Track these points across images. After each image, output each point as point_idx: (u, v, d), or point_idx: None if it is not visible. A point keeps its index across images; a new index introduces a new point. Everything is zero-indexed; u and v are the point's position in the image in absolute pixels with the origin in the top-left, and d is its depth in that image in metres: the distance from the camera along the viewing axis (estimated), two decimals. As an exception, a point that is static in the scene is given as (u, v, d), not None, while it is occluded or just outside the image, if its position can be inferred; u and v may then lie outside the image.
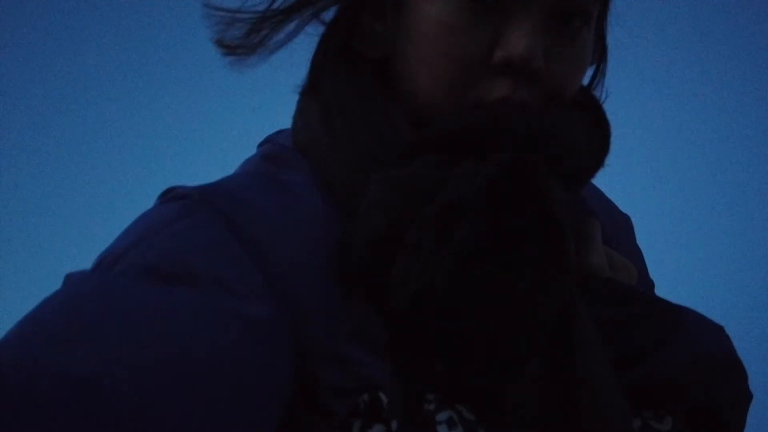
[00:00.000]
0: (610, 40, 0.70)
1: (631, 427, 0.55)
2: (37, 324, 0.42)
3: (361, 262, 0.53)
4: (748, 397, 0.62)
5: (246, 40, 0.60)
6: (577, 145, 0.60)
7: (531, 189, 0.52)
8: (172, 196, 0.53)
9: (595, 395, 0.52)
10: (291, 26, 0.61)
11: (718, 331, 0.62)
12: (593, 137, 0.63)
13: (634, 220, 0.91)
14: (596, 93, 0.69)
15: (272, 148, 0.63)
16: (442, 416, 0.50)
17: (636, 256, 0.80)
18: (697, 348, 0.58)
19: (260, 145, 0.66)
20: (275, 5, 0.60)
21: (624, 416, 0.54)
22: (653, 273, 0.89)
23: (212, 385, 0.42)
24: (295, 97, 0.64)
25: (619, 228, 0.79)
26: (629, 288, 0.61)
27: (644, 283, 0.78)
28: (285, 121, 0.66)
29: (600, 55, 0.69)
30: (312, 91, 0.61)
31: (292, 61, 0.62)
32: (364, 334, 0.52)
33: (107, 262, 0.48)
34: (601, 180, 0.70)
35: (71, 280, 0.48)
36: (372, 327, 0.52)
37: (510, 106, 0.56)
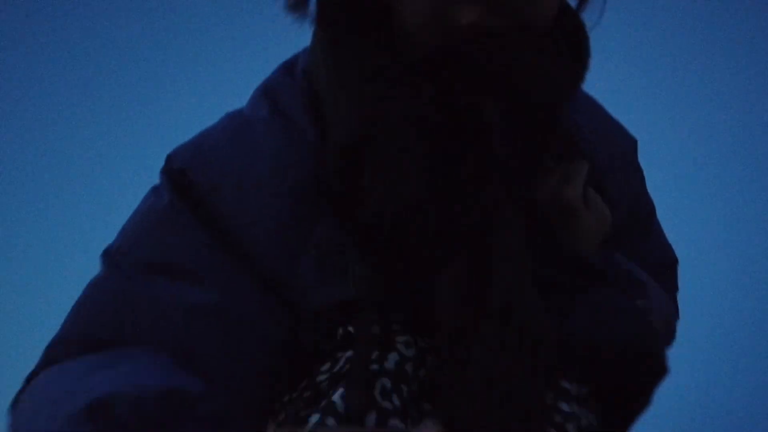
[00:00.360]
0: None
1: (547, 328, 0.59)
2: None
3: (335, 171, 0.59)
4: (649, 378, 0.65)
5: None
6: (542, 75, 0.64)
7: (464, 117, 0.60)
8: (160, 171, 0.65)
9: (506, 292, 0.58)
10: None
11: (628, 313, 0.66)
12: (567, 63, 0.67)
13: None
14: (587, 16, 0.72)
15: (278, 77, 0.70)
16: (401, 338, 0.58)
17: (634, 180, 0.85)
18: (589, 329, 0.63)
19: (296, 56, 0.72)
20: None
21: (536, 316, 0.59)
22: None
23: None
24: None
25: (622, 153, 0.82)
26: (572, 253, 0.67)
27: (630, 217, 0.82)
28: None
29: None
30: (321, 22, 0.66)
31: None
32: (329, 245, 0.58)
33: (114, 256, 0.61)
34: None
35: (93, 280, 0.62)
36: (336, 237, 0.58)
37: (478, 34, 0.61)
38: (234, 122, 0.67)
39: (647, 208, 0.90)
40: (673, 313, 0.93)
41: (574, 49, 0.69)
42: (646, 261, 0.88)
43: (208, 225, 0.60)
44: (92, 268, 0.63)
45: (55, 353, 0.59)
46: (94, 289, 0.61)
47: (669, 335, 0.90)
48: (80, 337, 0.58)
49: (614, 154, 0.81)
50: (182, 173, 0.62)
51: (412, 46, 0.62)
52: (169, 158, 0.64)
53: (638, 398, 0.67)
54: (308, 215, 0.60)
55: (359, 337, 0.55)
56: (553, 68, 0.66)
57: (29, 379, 0.60)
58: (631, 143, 0.87)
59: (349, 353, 0.56)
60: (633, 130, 0.99)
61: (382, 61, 0.62)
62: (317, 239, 0.59)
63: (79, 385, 0.52)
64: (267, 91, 0.69)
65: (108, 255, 0.61)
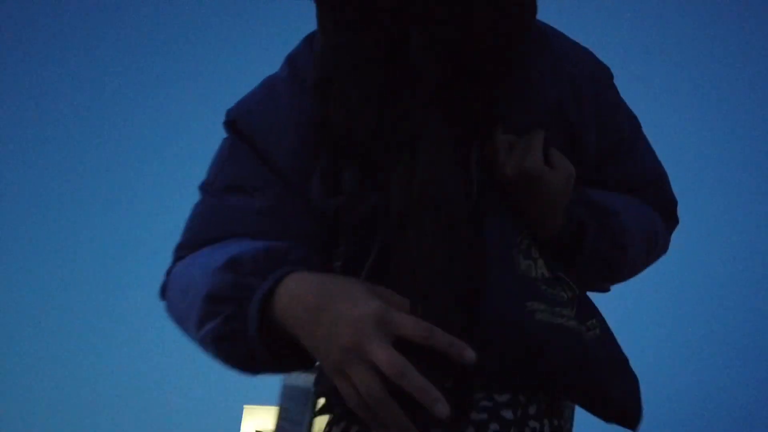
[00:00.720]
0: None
1: (462, 211, 0.81)
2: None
3: (313, 105, 0.86)
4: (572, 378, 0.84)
5: None
6: (486, 20, 0.83)
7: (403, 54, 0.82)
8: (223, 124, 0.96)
9: (427, 184, 0.79)
10: None
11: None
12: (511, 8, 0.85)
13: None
14: None
15: (299, 46, 0.97)
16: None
17: (607, 106, 0.98)
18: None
19: (316, 30, 0.94)
20: None
21: (453, 201, 0.80)
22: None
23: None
24: None
25: (590, 79, 0.97)
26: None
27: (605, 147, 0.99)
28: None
29: None
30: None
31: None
32: (327, 168, 0.86)
33: (205, 186, 0.93)
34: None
35: (195, 204, 0.93)
36: (332, 161, 0.85)
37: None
38: (266, 82, 0.96)
39: (628, 129, 1.03)
40: (659, 226, 1.07)
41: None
42: (632, 179, 1.05)
43: (256, 155, 0.90)
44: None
45: (180, 254, 0.91)
46: (196, 209, 0.92)
47: (654, 249, 1.07)
48: (194, 241, 0.89)
49: (594, 77, 0.97)
50: (233, 123, 0.93)
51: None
52: (227, 113, 0.94)
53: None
54: (312, 151, 0.88)
55: (351, 214, 0.84)
56: (502, 10, 0.85)
57: (168, 275, 0.92)
58: (606, 74, 1.00)
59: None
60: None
61: (348, 17, 0.84)
62: (321, 164, 0.86)
63: (212, 256, 0.83)
64: (289, 58, 0.96)
65: (202, 186, 0.93)
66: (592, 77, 0.97)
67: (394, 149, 0.81)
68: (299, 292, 0.76)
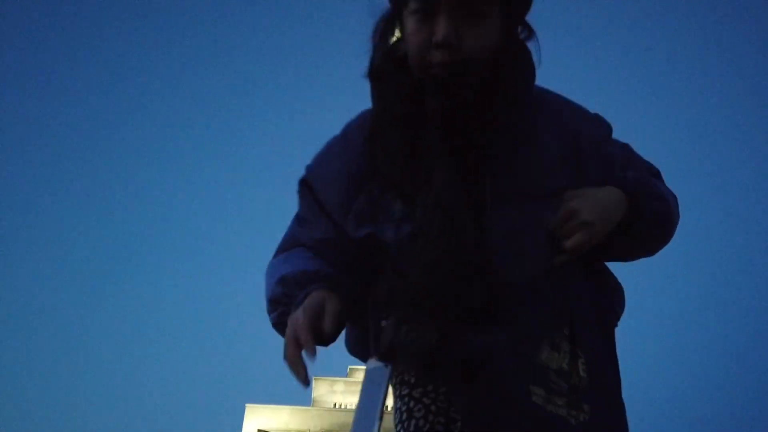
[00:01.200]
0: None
1: (463, 216, 1.22)
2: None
3: (366, 149, 1.30)
4: None
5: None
6: (483, 82, 1.24)
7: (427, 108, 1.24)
8: None
9: (438, 196, 1.21)
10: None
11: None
12: (511, 69, 1.28)
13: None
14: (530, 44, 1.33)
15: (354, 118, 1.43)
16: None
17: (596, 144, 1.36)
18: None
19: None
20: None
21: (455, 206, 1.21)
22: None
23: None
24: None
25: (578, 133, 1.34)
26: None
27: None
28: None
29: (527, 30, 1.31)
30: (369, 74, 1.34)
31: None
32: (361, 210, 1.28)
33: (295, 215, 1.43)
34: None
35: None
36: (379, 194, 1.28)
37: (443, 67, 1.22)
38: (328, 142, 1.40)
39: (620, 151, 1.40)
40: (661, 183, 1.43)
41: (517, 68, 1.30)
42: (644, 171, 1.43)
43: (313, 198, 1.35)
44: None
45: (275, 252, 1.41)
46: (287, 229, 1.41)
47: (674, 200, 1.42)
48: (281, 248, 1.39)
49: (592, 135, 1.36)
50: (305, 179, 1.38)
51: (414, 75, 1.25)
52: (305, 168, 1.40)
53: None
54: (353, 194, 1.30)
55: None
56: (501, 74, 1.27)
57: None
58: (597, 128, 1.39)
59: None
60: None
61: (386, 94, 1.29)
62: (355, 208, 1.29)
63: (278, 267, 1.33)
64: (346, 124, 1.40)
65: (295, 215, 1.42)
66: (588, 136, 1.36)
67: (418, 183, 1.23)
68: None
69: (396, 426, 1.38)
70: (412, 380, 1.34)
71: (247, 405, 17.07)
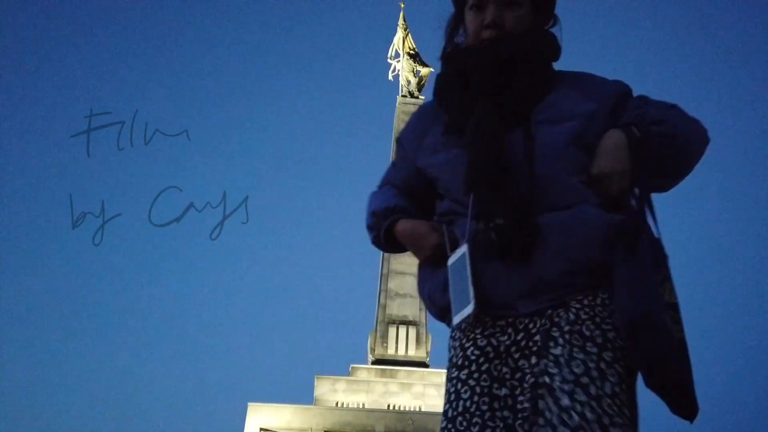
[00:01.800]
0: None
1: (498, 137, 1.80)
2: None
3: (435, 101, 2.00)
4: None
5: None
6: (523, 52, 1.86)
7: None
8: None
9: (476, 125, 1.82)
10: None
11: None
12: (542, 44, 1.91)
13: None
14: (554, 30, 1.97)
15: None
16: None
17: (613, 93, 1.91)
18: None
19: None
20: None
21: (490, 132, 1.80)
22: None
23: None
24: None
25: (600, 88, 1.91)
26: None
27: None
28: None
29: (554, 19, 1.96)
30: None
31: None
32: (435, 138, 1.95)
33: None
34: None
35: None
36: (433, 141, 1.96)
37: (490, 40, 1.88)
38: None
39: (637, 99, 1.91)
40: (677, 108, 1.88)
41: (545, 44, 1.91)
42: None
43: (402, 150, 2.04)
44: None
45: (378, 186, 2.09)
46: (386, 170, 2.10)
47: (689, 117, 1.88)
48: (380, 182, 2.08)
49: (593, 89, 1.90)
50: (398, 137, 2.07)
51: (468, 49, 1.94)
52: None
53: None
54: (422, 135, 1.98)
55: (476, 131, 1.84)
56: (532, 47, 1.87)
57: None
58: (612, 85, 1.92)
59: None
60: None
61: (448, 68, 1.96)
62: (424, 144, 1.95)
63: (371, 202, 2.03)
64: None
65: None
66: (602, 87, 1.93)
67: (466, 118, 1.84)
68: (399, 228, 1.93)
69: (445, 406, 1.71)
70: (459, 361, 1.74)
71: (249, 404, 17.11)
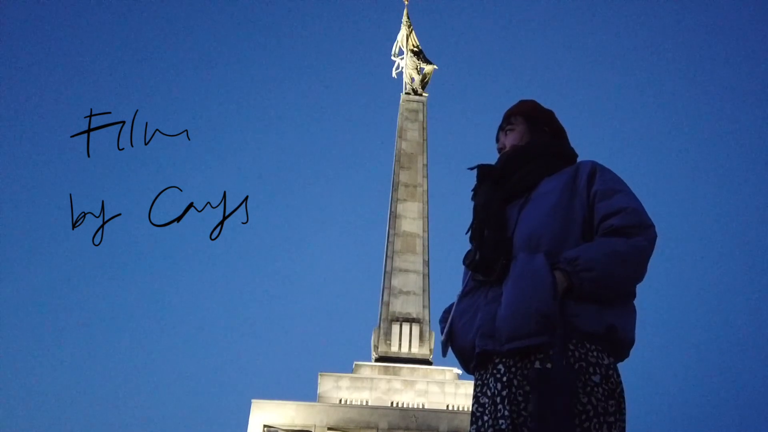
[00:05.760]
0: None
1: (500, 229, 2.84)
2: None
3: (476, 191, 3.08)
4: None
5: None
6: (525, 163, 2.91)
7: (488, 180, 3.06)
8: None
9: (481, 211, 2.90)
10: None
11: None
12: (547, 156, 2.94)
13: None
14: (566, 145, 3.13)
15: None
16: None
17: (594, 183, 2.83)
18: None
19: None
20: None
21: (497, 223, 2.85)
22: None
23: None
24: None
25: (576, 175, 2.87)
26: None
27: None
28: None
29: (558, 132, 3.08)
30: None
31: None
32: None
33: None
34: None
35: None
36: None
37: (504, 154, 3.04)
38: None
39: (604, 186, 2.76)
40: (619, 244, 2.57)
41: (557, 154, 2.96)
42: (605, 210, 2.77)
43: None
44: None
45: None
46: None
47: (628, 256, 2.56)
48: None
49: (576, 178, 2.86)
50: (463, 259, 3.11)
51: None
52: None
53: None
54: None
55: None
56: (535, 158, 2.92)
57: None
58: (584, 169, 2.86)
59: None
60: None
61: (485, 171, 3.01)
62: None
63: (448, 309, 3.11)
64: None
65: None
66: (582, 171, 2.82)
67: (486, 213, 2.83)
68: None
69: (470, 425, 2.42)
70: (478, 386, 2.56)
71: (253, 400, 17.14)
